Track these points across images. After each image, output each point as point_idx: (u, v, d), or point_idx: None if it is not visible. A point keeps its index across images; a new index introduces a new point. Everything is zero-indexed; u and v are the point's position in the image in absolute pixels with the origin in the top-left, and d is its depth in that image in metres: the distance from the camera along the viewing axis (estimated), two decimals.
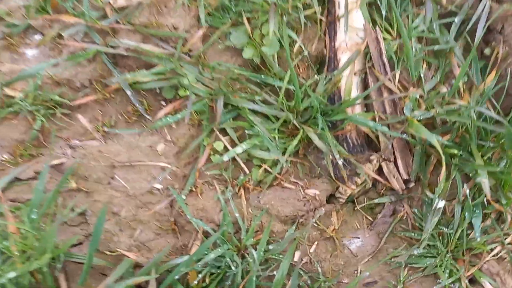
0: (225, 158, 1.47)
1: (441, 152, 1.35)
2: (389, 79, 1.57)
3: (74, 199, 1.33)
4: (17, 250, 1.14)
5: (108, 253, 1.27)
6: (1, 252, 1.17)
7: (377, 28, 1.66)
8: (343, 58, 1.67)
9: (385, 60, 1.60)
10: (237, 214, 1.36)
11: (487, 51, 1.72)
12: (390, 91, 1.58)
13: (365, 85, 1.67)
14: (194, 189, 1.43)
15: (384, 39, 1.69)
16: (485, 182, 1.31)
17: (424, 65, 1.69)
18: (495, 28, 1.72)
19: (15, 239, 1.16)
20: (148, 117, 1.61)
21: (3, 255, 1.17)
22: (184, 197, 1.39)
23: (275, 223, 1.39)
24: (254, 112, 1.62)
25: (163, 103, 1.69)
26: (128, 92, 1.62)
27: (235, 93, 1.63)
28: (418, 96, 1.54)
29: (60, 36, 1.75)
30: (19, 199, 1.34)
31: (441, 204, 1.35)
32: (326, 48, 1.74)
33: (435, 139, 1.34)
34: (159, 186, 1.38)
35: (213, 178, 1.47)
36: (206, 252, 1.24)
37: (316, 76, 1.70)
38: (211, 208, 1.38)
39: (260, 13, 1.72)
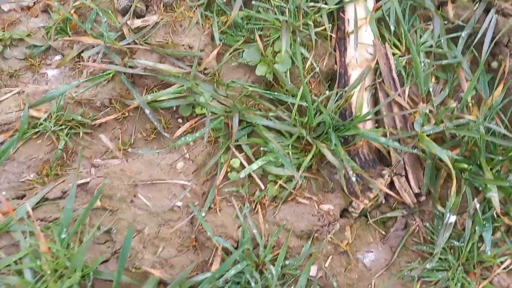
0: (242, 175, 1.52)
1: (451, 167, 1.40)
2: (399, 95, 1.62)
3: (100, 218, 1.39)
4: (49, 269, 1.21)
5: (134, 270, 1.34)
6: (34, 271, 1.24)
7: (386, 44, 1.70)
8: (353, 74, 1.72)
9: (395, 76, 1.64)
10: (255, 231, 1.42)
11: (494, 64, 1.76)
12: (400, 106, 1.62)
13: (375, 100, 1.72)
14: (213, 206, 1.49)
15: (393, 54, 1.74)
16: (494, 196, 1.36)
17: (433, 80, 1.73)
18: (502, 41, 1.76)
19: (47, 258, 1.23)
20: (166, 135, 1.68)
21: (36, 274, 1.24)
22: (203, 214, 1.45)
23: (291, 238, 1.45)
24: (268, 128, 1.68)
25: (180, 120, 1.76)
26: (147, 111, 1.68)
27: (249, 110, 1.69)
28: (427, 111, 1.59)
29: (79, 56, 1.82)
30: (48, 218, 1.40)
31: (453, 219, 1.40)
32: (336, 64, 1.79)
33: (445, 155, 1.39)
34: (179, 204, 1.44)
35: (231, 195, 1.53)
36: (227, 269, 1.30)
37: (327, 92, 1.75)
38: (230, 225, 1.44)
39: (272, 31, 1.78)
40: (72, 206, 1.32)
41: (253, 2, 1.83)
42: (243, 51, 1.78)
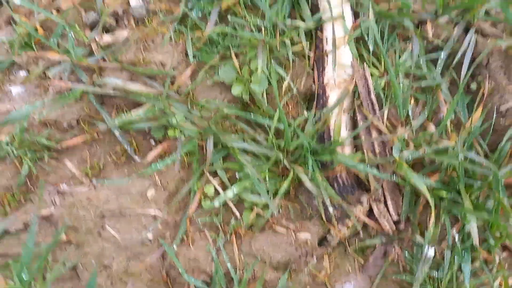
0: (216, 204, 1.46)
1: (429, 198, 1.37)
2: (378, 118, 1.58)
3: (64, 252, 1.31)
4: None
5: None
6: None
7: (365, 65, 1.66)
8: (331, 95, 1.67)
9: (373, 99, 1.61)
10: (229, 264, 1.36)
11: (473, 85, 1.74)
12: (379, 130, 1.59)
13: (354, 122, 1.68)
14: (185, 238, 1.42)
15: (372, 74, 1.70)
16: (473, 227, 1.33)
17: (412, 101, 1.70)
18: (481, 62, 1.74)
19: None
20: (137, 158, 1.60)
21: None
22: (175, 247, 1.38)
23: (267, 270, 1.39)
24: (245, 151, 1.62)
25: (152, 141, 1.68)
26: (116, 133, 1.61)
27: (225, 132, 1.63)
28: (406, 136, 1.55)
29: (45, 73, 1.72)
30: (9, 253, 1.32)
31: (431, 252, 1.37)
32: (314, 83, 1.74)
33: (424, 185, 1.35)
34: (150, 236, 1.37)
35: (204, 226, 1.47)
36: None
37: (305, 112, 1.70)
38: (203, 258, 1.38)
39: (248, 48, 1.72)
40: (33, 244, 1.23)
41: (229, 18, 1.76)
42: (219, 68, 1.72)
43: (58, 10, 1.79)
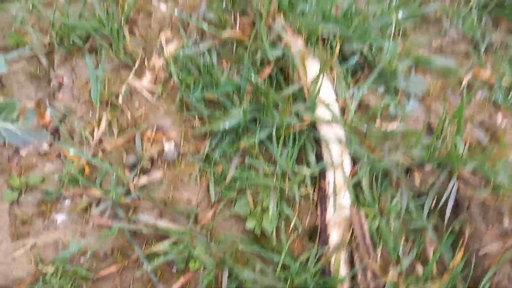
0: None
1: None
2: (372, 260, 1.82)
3: None
4: None
5: None
6: None
7: (361, 212, 1.93)
8: (332, 232, 1.93)
9: (369, 243, 1.86)
10: None
11: (456, 226, 1.99)
12: (373, 271, 1.82)
13: (352, 258, 1.92)
14: None
15: (368, 215, 1.96)
16: None
17: (403, 240, 1.94)
18: (463, 205, 2.00)
19: None
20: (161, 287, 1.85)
21: None
22: None
23: None
24: (255, 281, 1.85)
25: (174, 269, 1.93)
26: (145, 265, 1.86)
27: (238, 262, 1.88)
28: (396, 277, 1.79)
29: (88, 207, 2.02)
30: None
31: None
32: (318, 220, 2.01)
33: None
34: None
35: None
36: None
37: (309, 245, 1.95)
38: None
39: (262, 189, 2.02)
40: None
41: (245, 159, 2.09)
42: (236, 200, 2.01)
43: (103, 151, 2.13)
